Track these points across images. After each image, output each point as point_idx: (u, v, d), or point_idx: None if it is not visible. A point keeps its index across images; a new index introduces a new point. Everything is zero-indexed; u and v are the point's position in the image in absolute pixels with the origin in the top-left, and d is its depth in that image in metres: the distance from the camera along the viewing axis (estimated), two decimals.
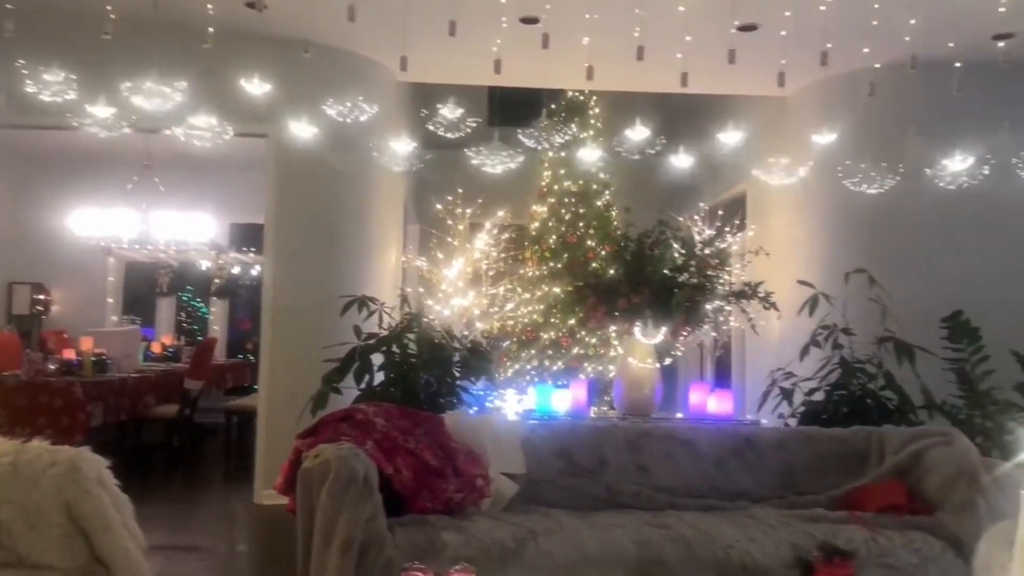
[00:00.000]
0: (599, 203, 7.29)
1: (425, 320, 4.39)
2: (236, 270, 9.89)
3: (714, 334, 6.49)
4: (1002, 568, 1.62)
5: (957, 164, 4.90)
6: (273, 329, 5.68)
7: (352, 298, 4.13)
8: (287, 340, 5.63)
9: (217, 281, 9.81)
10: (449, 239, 6.98)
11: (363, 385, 3.83)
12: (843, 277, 4.54)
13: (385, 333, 4.00)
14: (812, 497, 3.44)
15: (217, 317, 9.89)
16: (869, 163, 4.77)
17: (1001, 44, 4.71)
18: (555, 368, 7.02)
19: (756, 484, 3.53)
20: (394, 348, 3.97)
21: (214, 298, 9.89)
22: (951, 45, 4.60)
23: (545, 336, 7.10)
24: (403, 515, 2.91)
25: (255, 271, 9.55)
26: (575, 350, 7.06)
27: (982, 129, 4.90)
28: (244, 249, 9.43)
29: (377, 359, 4.06)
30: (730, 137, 4.76)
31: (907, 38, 4.30)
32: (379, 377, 4.02)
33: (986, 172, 4.87)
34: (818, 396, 4.46)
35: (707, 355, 8.48)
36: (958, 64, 4.40)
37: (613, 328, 4.47)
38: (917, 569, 2.89)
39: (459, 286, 6.84)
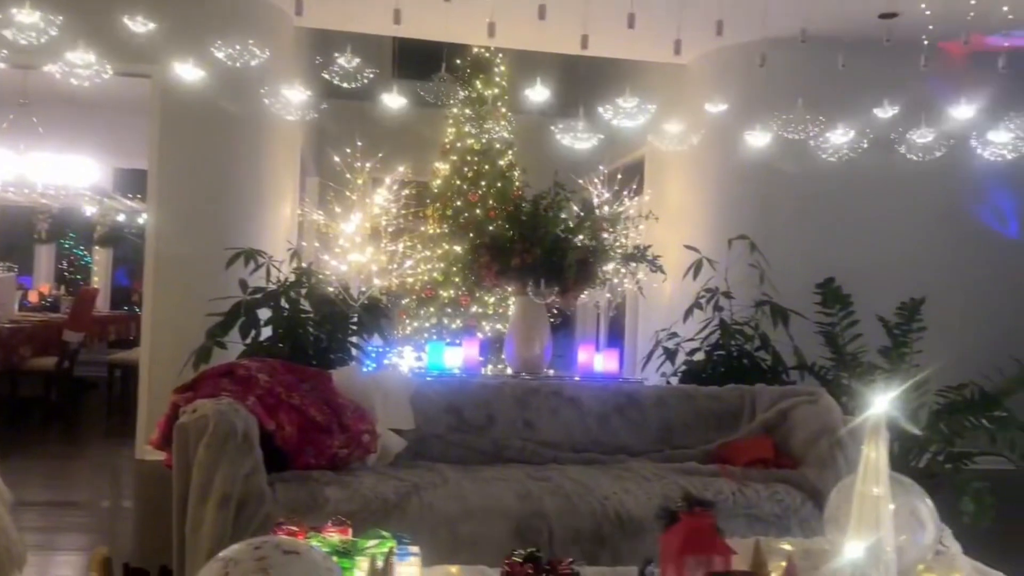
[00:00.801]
0: (501, 163, 7.30)
1: (319, 275, 4.33)
2: (121, 217, 9.45)
3: (608, 295, 6.66)
4: (845, 516, 1.74)
5: (839, 137, 5.15)
6: (157, 280, 5.47)
7: (238, 250, 4.03)
8: (172, 292, 5.45)
9: (101, 228, 9.34)
10: (348, 193, 6.85)
11: (249, 340, 3.75)
12: (727, 243, 4.72)
13: (273, 287, 3.92)
14: (687, 451, 3.60)
15: (101, 266, 9.45)
16: (758, 133, 4.95)
17: (885, 23, 4.93)
18: (454, 326, 7.05)
19: (636, 439, 3.67)
20: (283, 303, 3.89)
21: (97, 246, 9.43)
22: (838, 22, 4.79)
23: (444, 294, 7.11)
24: (287, 471, 2.90)
25: (142, 219, 9.16)
26: (474, 309, 7.10)
27: (865, 104, 5.15)
28: (130, 195, 9.01)
29: (267, 315, 3.98)
30: (630, 102, 4.83)
31: (797, 13, 4.45)
32: (267, 333, 3.95)
33: (865, 146, 5.13)
34: (699, 356, 4.66)
35: (602, 316, 8.69)
36: (844, 41, 4.59)
37: (507, 287, 4.52)
38: (779, 519, 3.08)
39: (357, 241, 6.75)
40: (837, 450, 3.24)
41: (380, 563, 1.44)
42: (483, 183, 7.12)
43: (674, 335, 4.87)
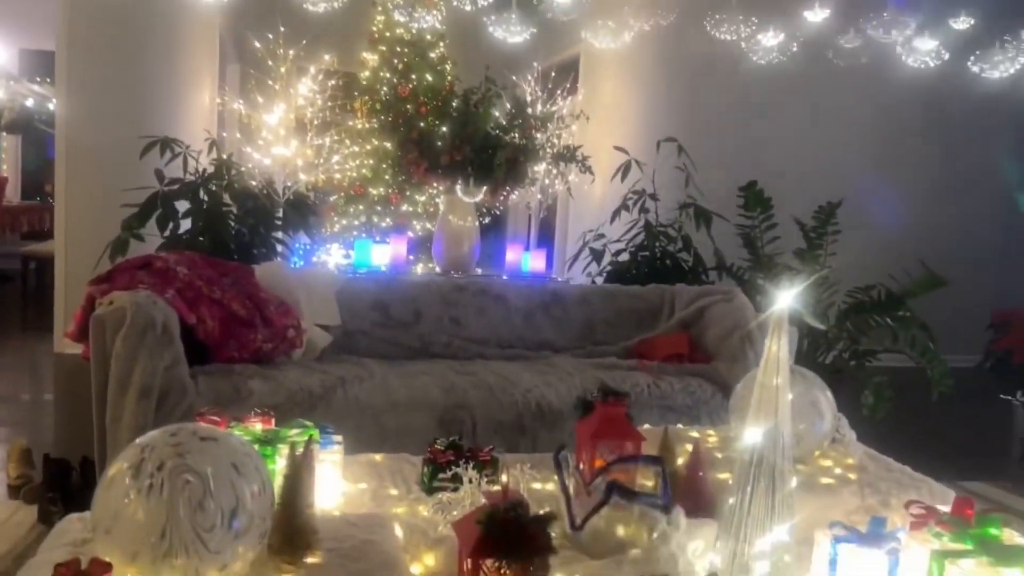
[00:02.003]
0: (433, 55, 7.07)
1: (241, 168, 4.19)
2: (30, 102, 8.89)
3: (539, 196, 6.67)
4: (748, 406, 1.84)
5: (770, 40, 5.16)
6: (69, 170, 5.23)
7: (153, 139, 3.86)
8: (85, 182, 5.22)
9: (8, 114, 8.79)
10: (271, 82, 6.57)
11: (167, 233, 3.65)
12: (655, 145, 4.75)
13: (192, 179, 3.80)
14: (608, 347, 3.72)
15: (9, 154, 8.94)
16: (692, 32, 4.91)
17: None
18: (384, 225, 6.97)
19: (560, 336, 3.77)
20: (202, 195, 3.78)
21: (5, 133, 8.89)
22: None
23: (374, 192, 6.99)
24: (210, 364, 2.89)
25: (52, 105, 8.63)
26: (404, 207, 7.02)
27: (796, 7, 5.14)
28: (37, 79, 8.46)
29: (187, 208, 3.86)
30: None
31: None
32: (187, 226, 3.85)
33: (794, 49, 5.16)
34: (624, 257, 4.74)
35: (533, 217, 8.71)
36: None
37: (436, 185, 4.47)
38: (691, 410, 3.24)
39: (281, 134, 6.53)
40: (747, 345, 3.39)
41: (300, 450, 1.47)
42: (413, 76, 6.91)
43: (601, 236, 4.94)
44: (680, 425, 2.61)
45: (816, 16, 5.07)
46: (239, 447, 1.35)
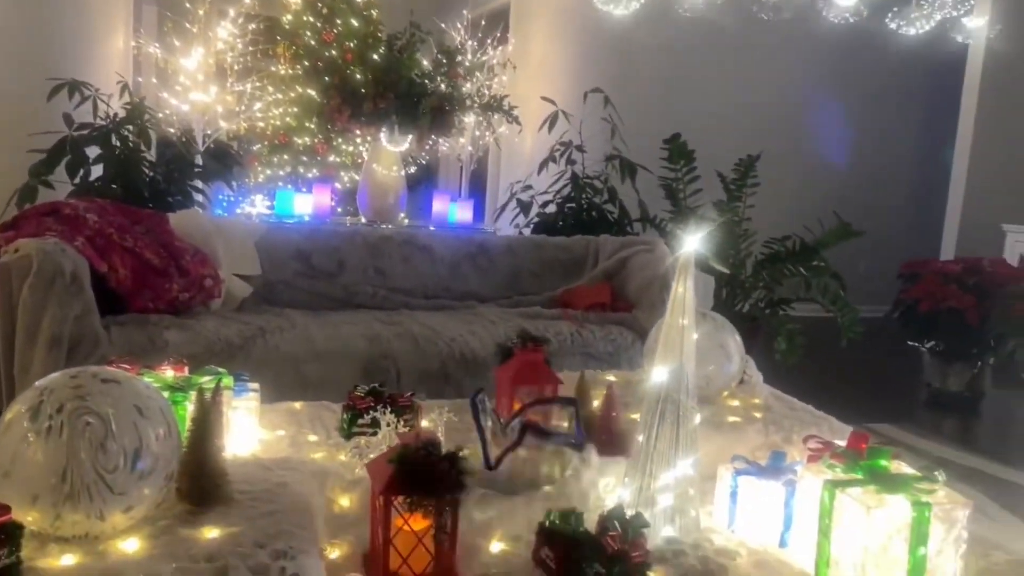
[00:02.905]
0: None
1: (157, 114, 4.04)
2: None
3: (470, 148, 6.62)
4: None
5: None
6: None
7: (61, 81, 3.68)
8: None
9: None
10: (188, 25, 6.30)
11: (78, 180, 3.51)
12: (583, 96, 4.75)
13: (102, 123, 3.64)
14: (533, 297, 3.76)
15: None
16: None
17: None
18: (310, 175, 6.82)
19: (485, 286, 3.79)
20: (114, 141, 3.64)
21: None
22: None
23: (299, 141, 6.82)
24: (124, 315, 2.81)
25: None
26: (332, 158, 6.88)
27: None
28: None
29: (97, 154, 3.71)
30: None
31: None
32: (99, 172, 3.70)
33: (719, 2, 5.20)
34: (551, 209, 4.77)
35: (464, 168, 8.65)
36: None
37: (359, 133, 4.39)
38: (611, 356, 3.31)
39: (200, 80, 6.29)
40: (666, 293, 3.45)
41: (208, 395, 1.45)
42: (339, 21, 6.72)
43: (529, 188, 4.95)
44: (598, 370, 2.67)
45: None
46: (143, 390, 1.33)
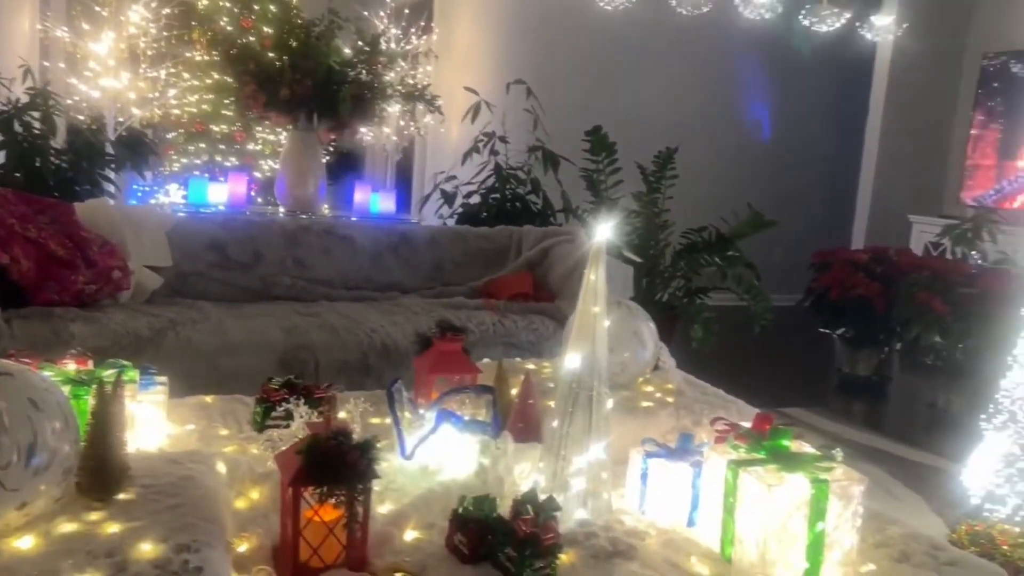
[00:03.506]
0: None
1: (68, 100, 3.87)
2: None
3: (395, 137, 6.55)
4: None
5: None
6: None
7: None
8: None
9: None
10: (98, 8, 6.05)
11: None
12: (505, 87, 4.76)
13: (3, 108, 3.48)
14: (457, 287, 3.76)
15: None
16: None
17: None
18: (228, 164, 6.65)
19: (408, 277, 3.77)
20: (17, 128, 3.47)
21: None
22: None
23: (216, 129, 6.64)
24: (27, 308, 2.70)
25: None
26: (251, 146, 6.72)
27: None
28: None
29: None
30: None
31: None
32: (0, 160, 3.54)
33: None
34: (475, 199, 4.77)
35: (389, 158, 8.57)
36: None
37: (276, 120, 4.29)
38: (533, 345, 3.34)
39: (111, 65, 6.05)
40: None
41: (108, 388, 1.41)
42: (256, 7, 6.55)
43: (453, 178, 4.94)
44: (518, 359, 2.69)
45: None
46: (38, 383, 1.28)
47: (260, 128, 6.45)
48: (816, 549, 1.41)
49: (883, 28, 6.02)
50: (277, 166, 6.56)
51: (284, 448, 1.70)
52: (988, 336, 3.58)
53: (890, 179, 6.17)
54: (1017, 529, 2.56)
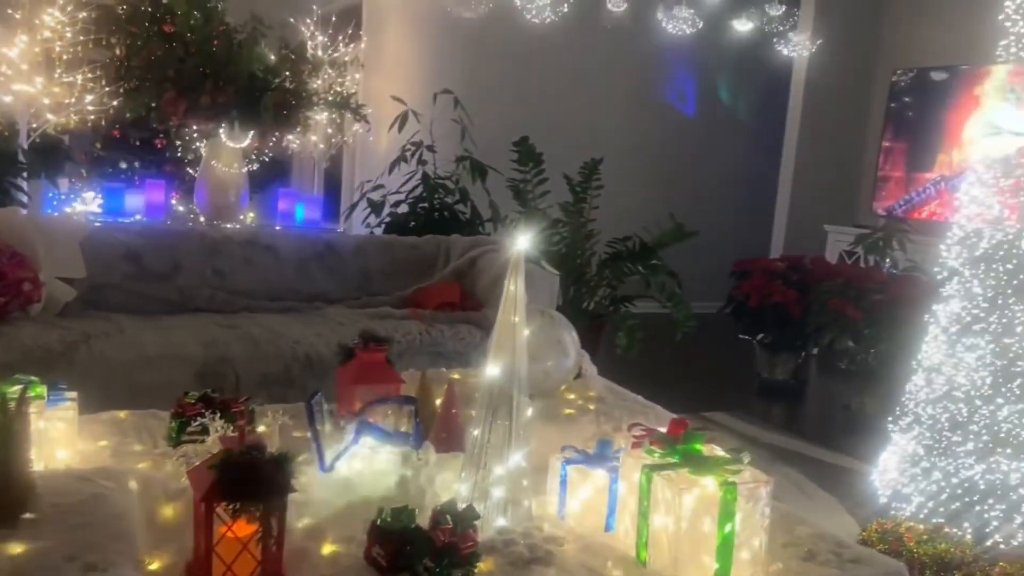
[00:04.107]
0: None
1: None
2: None
3: (322, 145, 6.47)
4: None
5: None
6: None
7: None
8: None
9: None
10: (10, 10, 5.82)
11: None
12: (432, 96, 4.77)
13: None
14: (383, 297, 3.75)
15: None
16: None
17: None
18: (150, 172, 6.47)
19: (334, 287, 3.73)
20: None
21: None
22: None
23: (135, 136, 6.46)
24: None
25: None
26: (171, 153, 6.55)
27: None
28: None
29: None
30: None
31: None
32: None
33: (565, 9, 5.35)
34: (403, 209, 4.76)
35: (317, 167, 8.46)
36: None
37: (197, 127, 4.21)
38: (461, 355, 3.35)
39: (24, 69, 5.82)
40: None
41: (12, 405, 1.36)
42: (179, 12, 6.40)
43: (380, 187, 4.92)
44: (444, 369, 2.70)
45: None
46: None
47: (180, 135, 6.31)
48: (726, 549, 1.46)
49: (799, 44, 6.25)
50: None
51: (198, 463, 1.67)
52: (897, 341, 3.74)
53: (806, 190, 6.40)
54: (922, 527, 2.68)
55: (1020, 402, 2.57)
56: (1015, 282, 2.59)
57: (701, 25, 5.85)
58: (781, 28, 6.16)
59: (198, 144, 6.14)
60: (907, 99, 6.21)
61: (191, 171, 5.92)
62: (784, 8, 5.93)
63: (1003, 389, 2.58)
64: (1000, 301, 2.60)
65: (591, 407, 2.20)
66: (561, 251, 4.57)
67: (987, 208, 2.70)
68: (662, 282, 4.33)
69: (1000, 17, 2.68)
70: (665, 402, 2.40)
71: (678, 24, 5.85)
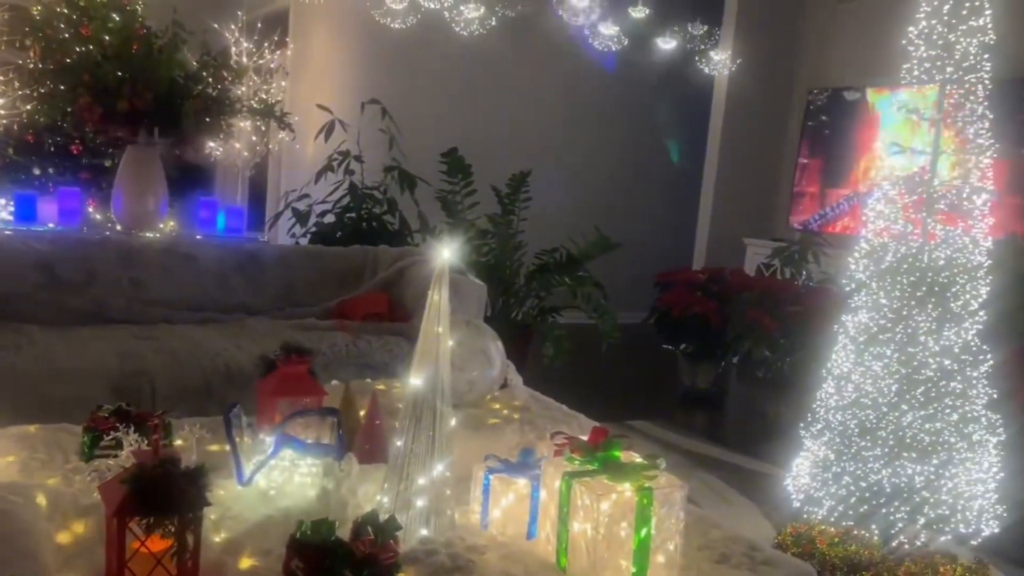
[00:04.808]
0: None
1: None
2: None
3: (246, 153, 6.36)
4: None
5: (471, 12, 5.36)
6: None
7: None
8: None
9: None
10: None
11: None
12: (360, 106, 4.75)
13: None
14: (308, 308, 3.70)
15: None
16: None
17: None
18: (66, 178, 6.24)
19: (257, 297, 3.67)
20: None
21: None
22: None
23: (51, 141, 6.22)
24: None
25: None
26: (88, 159, 6.34)
27: None
28: None
29: None
30: None
31: None
32: None
33: (493, 23, 5.41)
34: (330, 219, 4.71)
35: (240, 175, 8.31)
36: None
37: (115, 134, 4.08)
38: (388, 366, 3.32)
39: None
40: None
41: None
42: (97, 15, 6.21)
43: (306, 196, 4.86)
44: (370, 380, 2.68)
45: None
46: None
47: (97, 141, 6.11)
48: (642, 553, 1.50)
49: (719, 63, 6.46)
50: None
51: (110, 478, 1.63)
52: (810, 350, 3.89)
53: (727, 204, 6.59)
54: (834, 529, 2.78)
55: (923, 408, 2.71)
56: (918, 294, 2.73)
57: (627, 42, 6.00)
58: (703, 47, 6.36)
59: (115, 150, 5.97)
60: (822, 117, 6.47)
61: (108, 178, 5.75)
62: (706, 28, 6.13)
63: (907, 396, 2.71)
64: (904, 312, 2.74)
65: (516, 416, 2.22)
66: (490, 262, 4.60)
67: (893, 223, 2.84)
68: (588, 293, 4.40)
69: (904, 42, 2.83)
70: (590, 411, 2.44)
71: (604, 41, 5.99)
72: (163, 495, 1.29)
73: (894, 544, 2.73)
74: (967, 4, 2.69)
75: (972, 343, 2.75)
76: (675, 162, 6.79)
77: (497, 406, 2.31)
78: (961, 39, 2.71)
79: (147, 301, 3.36)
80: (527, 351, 4.49)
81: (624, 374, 5.47)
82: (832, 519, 2.80)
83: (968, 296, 2.73)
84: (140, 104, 3.68)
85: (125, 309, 3.29)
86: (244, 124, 5.07)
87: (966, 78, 2.73)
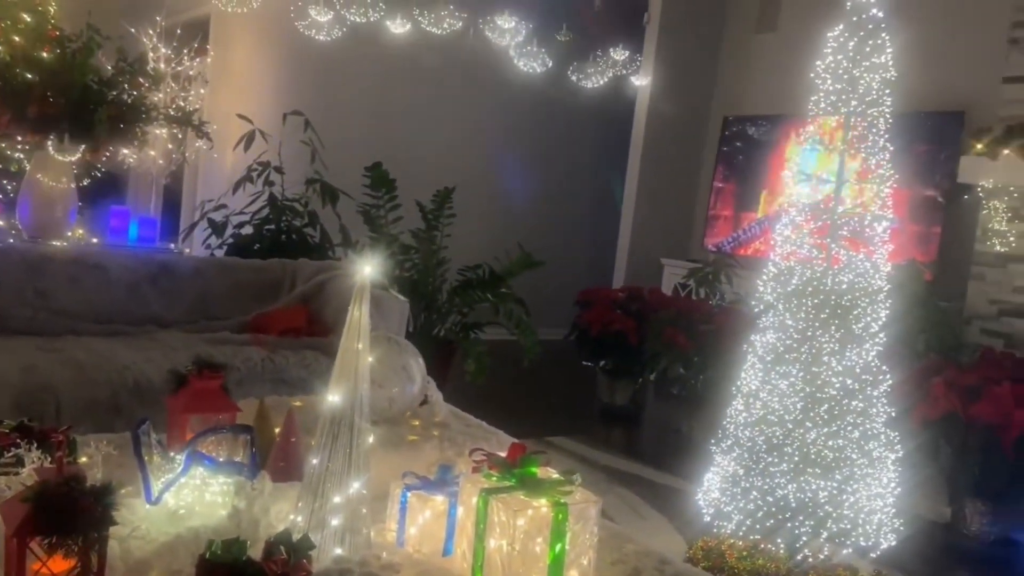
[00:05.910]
0: None
1: None
2: None
3: (161, 161, 6.19)
4: None
5: (398, 27, 5.37)
6: None
7: None
8: None
9: None
10: None
11: None
12: (282, 117, 4.69)
13: None
14: (223, 322, 3.62)
15: None
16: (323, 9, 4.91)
17: None
18: None
19: (169, 310, 3.57)
20: None
21: None
22: None
23: None
24: None
25: None
26: None
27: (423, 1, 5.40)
28: None
29: None
30: None
31: None
32: None
33: (420, 41, 5.43)
34: (248, 230, 4.63)
35: (154, 183, 8.06)
36: None
37: (24, 139, 3.92)
38: (305, 382, 3.28)
39: None
40: None
41: None
42: (7, 15, 5.95)
43: (223, 207, 4.76)
44: (287, 396, 2.64)
45: (441, 10, 5.38)
46: None
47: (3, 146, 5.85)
48: (557, 568, 1.52)
49: (640, 89, 6.63)
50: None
51: (11, 496, 1.56)
52: (722, 368, 4.01)
53: (646, 225, 6.75)
54: (742, 543, 2.87)
55: (827, 426, 2.83)
56: (822, 316, 2.85)
57: (551, 64, 6.10)
58: (625, 71, 6.52)
59: (21, 156, 5.72)
60: (736, 143, 6.71)
61: (14, 183, 5.49)
62: (627, 54, 6.29)
63: (811, 414, 2.82)
64: (809, 333, 2.86)
65: (435, 433, 2.22)
66: (413, 278, 4.59)
67: (798, 247, 2.97)
68: (510, 309, 4.43)
69: (812, 75, 2.97)
70: (510, 427, 2.46)
71: (529, 62, 6.08)
72: (66, 514, 1.25)
73: (799, 557, 2.83)
74: (870, 42, 2.85)
75: (873, 363, 2.89)
76: (616, 196, 6.94)
77: (416, 423, 2.31)
78: (864, 74, 2.86)
79: (53, 312, 3.23)
80: (448, 367, 4.49)
81: (544, 390, 5.52)
82: (741, 533, 2.89)
83: (869, 318, 2.88)
84: (51, 109, 3.55)
85: (29, 320, 3.16)
86: (160, 132, 4.94)
87: (869, 111, 2.89)
